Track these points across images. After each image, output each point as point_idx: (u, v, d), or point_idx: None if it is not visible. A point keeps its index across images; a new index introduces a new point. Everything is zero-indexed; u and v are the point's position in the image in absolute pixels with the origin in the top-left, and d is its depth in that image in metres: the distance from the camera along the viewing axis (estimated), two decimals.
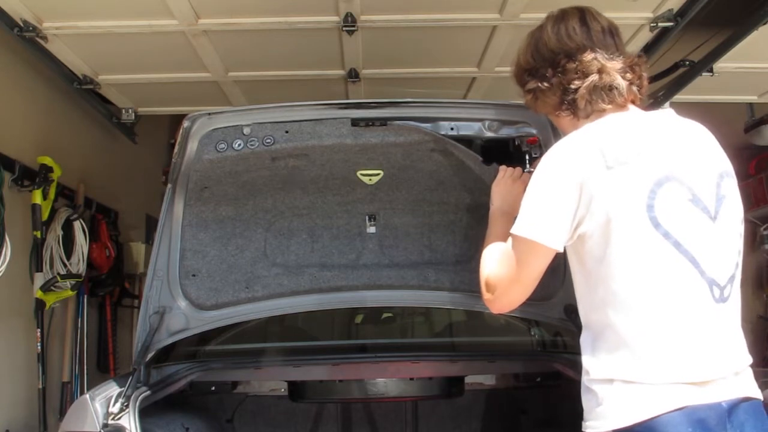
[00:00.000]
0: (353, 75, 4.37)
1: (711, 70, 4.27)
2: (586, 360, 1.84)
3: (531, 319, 3.47)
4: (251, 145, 2.68)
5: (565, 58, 1.90)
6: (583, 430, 1.82)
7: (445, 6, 3.64)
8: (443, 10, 3.67)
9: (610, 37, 1.94)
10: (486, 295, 1.95)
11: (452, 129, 2.69)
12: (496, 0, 3.56)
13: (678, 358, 1.73)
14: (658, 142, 1.82)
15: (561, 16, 1.97)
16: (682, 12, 3.64)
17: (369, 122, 2.67)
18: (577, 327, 2.87)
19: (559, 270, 2.93)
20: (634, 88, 1.90)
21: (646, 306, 1.74)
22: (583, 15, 1.95)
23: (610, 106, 1.88)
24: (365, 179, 2.91)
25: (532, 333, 3.72)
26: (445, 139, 2.68)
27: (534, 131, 2.69)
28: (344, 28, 3.70)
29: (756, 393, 1.80)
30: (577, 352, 3.08)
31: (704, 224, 1.79)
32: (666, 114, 1.92)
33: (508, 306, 1.94)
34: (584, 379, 1.84)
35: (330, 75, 4.44)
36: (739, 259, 1.86)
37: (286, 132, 2.68)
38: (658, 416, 1.68)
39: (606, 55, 1.89)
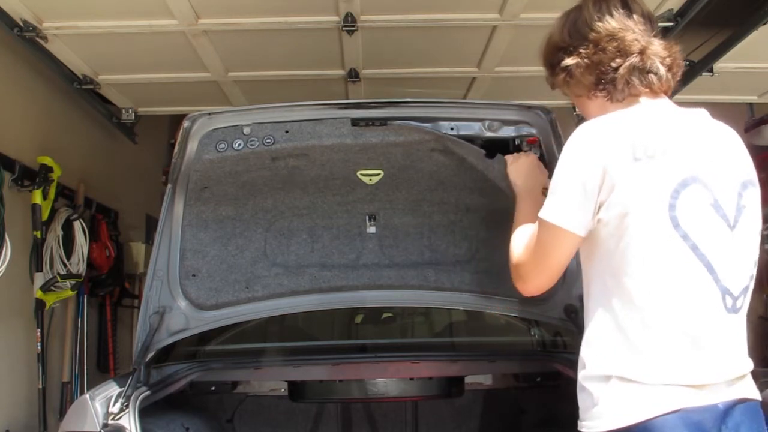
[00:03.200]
0: (353, 75, 4.37)
1: (711, 70, 4.27)
2: (585, 352, 1.83)
3: (531, 319, 3.47)
4: (251, 145, 2.68)
5: (607, 37, 1.87)
6: (579, 429, 1.82)
7: (445, 6, 3.64)
8: (443, 10, 3.67)
9: (649, 23, 1.93)
10: (516, 280, 1.96)
11: (452, 129, 2.68)
12: (496, 0, 3.56)
13: (679, 361, 1.72)
14: (688, 142, 1.80)
15: None
16: (682, 12, 3.64)
17: (369, 122, 2.67)
18: (578, 327, 2.89)
19: None
20: (670, 76, 1.89)
21: (654, 304, 1.73)
22: None
23: (646, 91, 1.87)
24: (365, 179, 2.90)
25: (532, 333, 3.72)
26: (447, 137, 2.67)
27: (534, 131, 2.69)
28: (344, 28, 3.70)
29: (754, 394, 1.80)
30: (577, 352, 3.08)
31: (723, 232, 1.77)
32: (699, 113, 1.89)
33: (537, 290, 1.93)
34: (580, 374, 1.83)
35: (330, 75, 4.44)
36: (755, 270, 1.83)
37: (286, 132, 2.68)
38: (654, 418, 1.67)
39: (646, 39, 1.88)
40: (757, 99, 5.09)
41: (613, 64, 1.86)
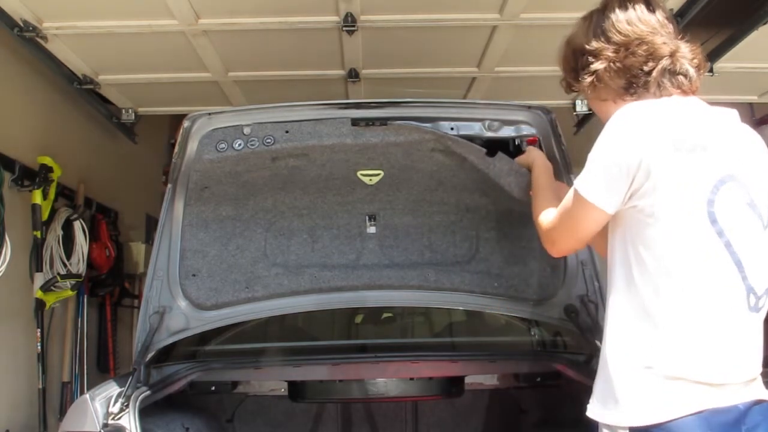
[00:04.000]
0: (353, 75, 4.37)
1: (711, 70, 4.27)
2: (610, 339, 1.82)
3: (531, 319, 3.46)
4: (251, 145, 2.68)
5: (636, 40, 1.88)
6: (588, 413, 1.81)
7: (445, 6, 3.64)
8: (443, 10, 3.67)
9: (673, 24, 1.94)
10: (546, 242, 2.05)
11: (452, 129, 2.68)
12: (496, 0, 3.56)
13: (701, 355, 1.72)
14: (726, 140, 1.82)
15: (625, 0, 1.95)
16: (682, 12, 3.64)
17: (369, 122, 2.67)
18: (578, 327, 2.89)
19: (559, 270, 2.94)
20: (697, 76, 1.90)
21: (681, 297, 1.73)
22: (648, 0, 1.94)
23: (678, 92, 1.88)
24: (365, 179, 2.90)
25: (532, 333, 3.71)
26: (447, 136, 2.67)
27: (534, 131, 2.69)
28: (344, 28, 3.70)
29: (766, 395, 1.81)
30: (577, 352, 3.08)
31: (757, 230, 1.79)
32: (731, 113, 1.91)
33: (566, 252, 2.11)
34: (609, 360, 1.81)
35: (330, 75, 4.44)
36: None
37: (287, 132, 2.68)
38: (679, 419, 1.68)
39: (674, 41, 1.89)
40: (757, 99, 5.09)
41: (645, 68, 1.87)
